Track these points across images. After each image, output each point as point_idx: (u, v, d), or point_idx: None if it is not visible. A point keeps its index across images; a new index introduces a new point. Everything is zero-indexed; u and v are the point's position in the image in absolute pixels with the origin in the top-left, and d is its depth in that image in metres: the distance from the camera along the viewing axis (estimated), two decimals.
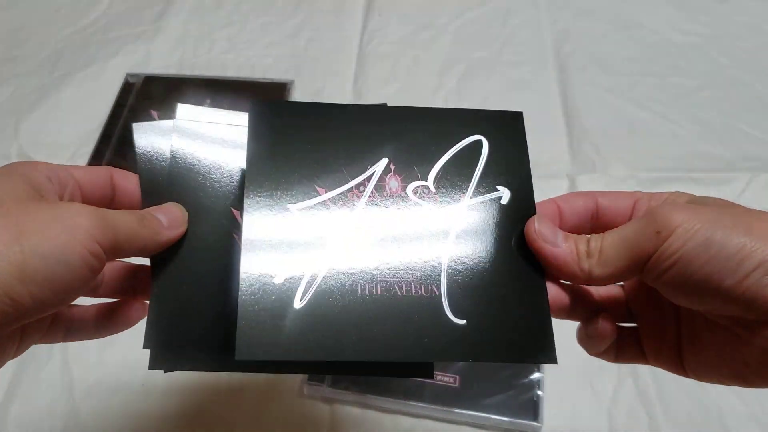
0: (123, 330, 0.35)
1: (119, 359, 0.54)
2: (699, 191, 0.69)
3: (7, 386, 0.53)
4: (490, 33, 0.82)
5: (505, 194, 0.33)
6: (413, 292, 0.30)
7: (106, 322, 0.35)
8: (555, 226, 0.31)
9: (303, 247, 0.30)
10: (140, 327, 0.32)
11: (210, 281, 0.32)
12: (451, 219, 0.32)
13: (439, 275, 0.31)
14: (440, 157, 0.34)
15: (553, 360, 0.30)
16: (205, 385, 0.52)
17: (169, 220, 0.31)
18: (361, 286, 0.30)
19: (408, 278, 0.30)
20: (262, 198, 0.31)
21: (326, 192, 0.32)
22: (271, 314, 0.29)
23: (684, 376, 0.32)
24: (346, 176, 0.32)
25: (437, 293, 0.30)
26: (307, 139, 0.33)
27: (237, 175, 0.34)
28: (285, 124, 0.33)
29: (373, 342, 0.29)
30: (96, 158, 0.66)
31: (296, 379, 0.53)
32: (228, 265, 0.32)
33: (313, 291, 0.29)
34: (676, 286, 0.27)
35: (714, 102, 0.74)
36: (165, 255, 0.32)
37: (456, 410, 0.50)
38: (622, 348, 0.34)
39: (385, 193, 0.32)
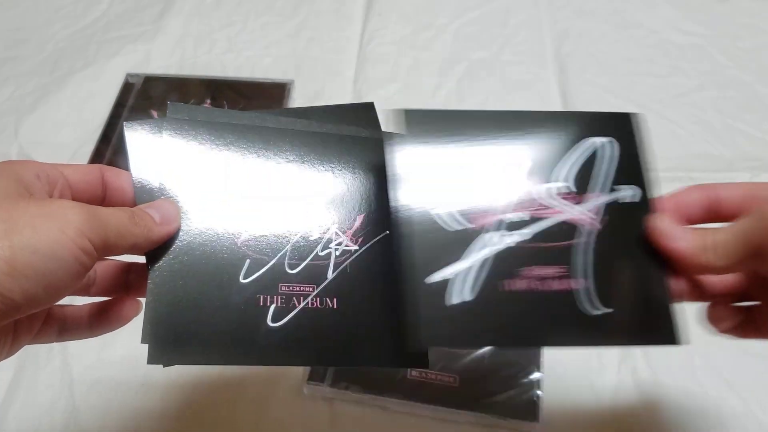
0: (117, 328, 0.35)
1: (119, 358, 0.54)
2: None
3: (7, 386, 0.53)
4: (490, 33, 0.82)
5: (634, 192, 0.36)
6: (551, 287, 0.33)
7: (100, 320, 0.35)
8: (675, 221, 0.33)
9: (460, 243, 0.33)
10: (140, 326, 0.32)
11: (209, 273, 0.33)
12: (583, 217, 0.35)
13: (579, 271, 0.34)
14: (571, 160, 0.36)
15: (679, 341, 0.33)
16: (205, 384, 0.52)
17: (161, 216, 0.32)
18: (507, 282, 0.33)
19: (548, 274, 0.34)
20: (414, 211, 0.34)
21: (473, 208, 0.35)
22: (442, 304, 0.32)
23: None
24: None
25: (575, 287, 0.33)
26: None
27: (229, 170, 0.35)
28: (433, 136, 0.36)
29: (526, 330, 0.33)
30: (96, 158, 0.66)
31: (296, 378, 0.53)
32: (228, 256, 0.33)
33: (480, 283, 0.33)
34: None
35: (714, 102, 0.74)
36: (160, 249, 0.32)
37: (456, 410, 0.50)
38: (747, 325, 0.36)
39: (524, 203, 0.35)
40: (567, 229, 0.34)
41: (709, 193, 0.34)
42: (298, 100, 0.74)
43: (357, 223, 0.36)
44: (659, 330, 0.33)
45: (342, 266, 0.35)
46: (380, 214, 0.37)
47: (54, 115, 0.73)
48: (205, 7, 0.85)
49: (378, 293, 0.35)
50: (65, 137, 0.70)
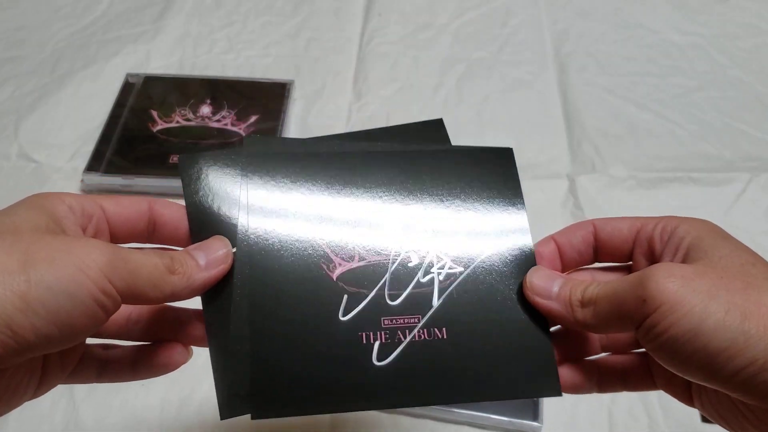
0: (162, 374, 0.33)
1: None
2: (699, 191, 0.69)
3: None
4: (490, 33, 0.82)
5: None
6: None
7: (145, 364, 0.32)
8: (552, 273, 0.31)
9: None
10: None
11: (305, 314, 0.31)
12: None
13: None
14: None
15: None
16: (205, 384, 0.52)
17: (207, 259, 0.30)
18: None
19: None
20: None
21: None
22: None
23: (694, 407, 0.31)
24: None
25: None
26: None
27: (312, 201, 0.33)
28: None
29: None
30: (96, 158, 0.66)
31: None
32: (324, 293, 0.31)
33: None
34: (669, 363, 0.26)
35: (714, 102, 0.74)
36: (243, 290, 0.30)
37: (456, 410, 0.50)
38: (631, 376, 0.33)
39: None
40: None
41: (592, 231, 0.32)
42: (298, 100, 0.74)
43: (459, 244, 0.34)
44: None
45: (447, 291, 0.32)
46: (487, 229, 0.34)
47: (54, 115, 0.73)
48: (205, 7, 0.85)
49: (490, 317, 0.32)
50: (65, 137, 0.70)
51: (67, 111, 0.73)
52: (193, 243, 0.31)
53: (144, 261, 0.27)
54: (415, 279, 0.32)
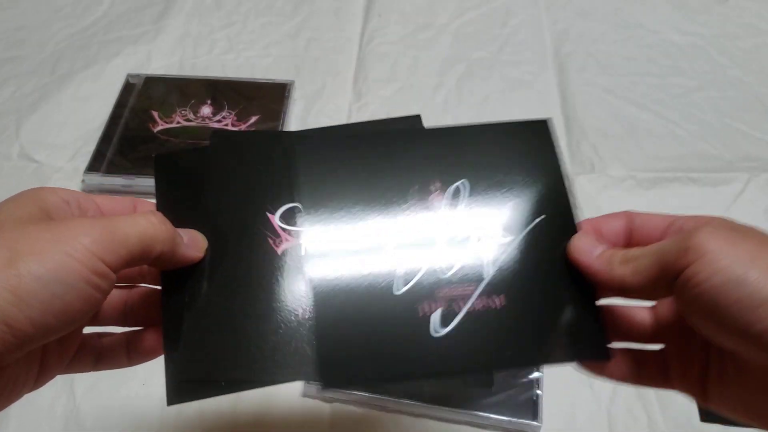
0: (153, 359, 0.33)
1: None
2: (698, 191, 0.69)
3: None
4: (490, 33, 0.82)
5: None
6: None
7: (137, 349, 0.33)
8: (596, 240, 0.32)
9: None
10: None
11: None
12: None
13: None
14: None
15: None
16: None
17: (189, 239, 0.31)
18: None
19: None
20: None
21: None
22: None
23: (707, 406, 0.31)
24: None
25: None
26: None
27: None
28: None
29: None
30: (97, 159, 0.66)
31: None
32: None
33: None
34: (703, 316, 0.26)
35: (713, 102, 0.74)
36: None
37: (456, 410, 0.50)
38: (646, 368, 0.33)
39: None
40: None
41: (630, 222, 0.33)
42: (298, 100, 0.74)
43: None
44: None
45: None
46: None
47: (55, 115, 0.73)
48: (206, 7, 0.86)
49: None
50: (66, 137, 0.70)
51: (68, 111, 0.73)
52: None
53: (133, 224, 0.27)
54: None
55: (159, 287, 0.33)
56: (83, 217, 0.30)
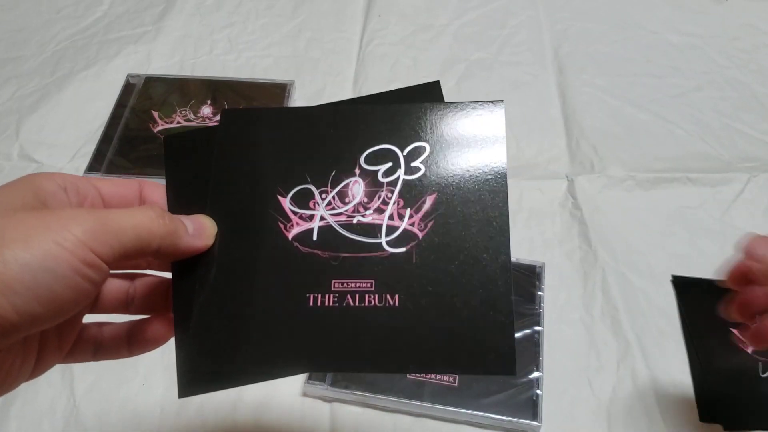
0: (153, 349, 0.33)
1: None
2: (697, 192, 0.70)
3: None
4: (489, 33, 0.82)
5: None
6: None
7: (137, 339, 0.32)
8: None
9: None
10: None
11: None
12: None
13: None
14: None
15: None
16: None
17: (195, 228, 0.30)
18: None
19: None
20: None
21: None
22: None
23: None
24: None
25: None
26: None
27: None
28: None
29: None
30: (97, 159, 0.66)
31: (296, 378, 0.53)
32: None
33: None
34: None
35: (712, 102, 0.74)
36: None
37: (455, 409, 0.50)
38: None
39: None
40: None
41: None
42: (298, 101, 0.74)
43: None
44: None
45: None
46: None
47: (55, 115, 0.73)
48: (206, 7, 0.86)
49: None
50: (66, 138, 0.70)
51: (69, 111, 0.73)
52: None
53: (129, 218, 0.26)
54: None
55: (163, 275, 0.33)
56: (78, 207, 0.29)
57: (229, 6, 0.86)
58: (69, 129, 0.71)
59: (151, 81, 0.74)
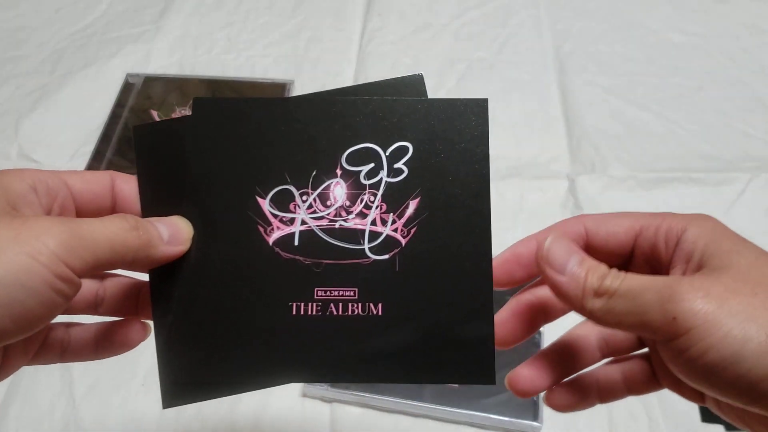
0: (122, 352, 0.32)
1: (119, 358, 0.54)
2: (699, 192, 0.69)
3: (7, 386, 0.53)
4: (490, 33, 0.82)
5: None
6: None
7: (105, 343, 0.31)
8: (573, 246, 0.27)
9: None
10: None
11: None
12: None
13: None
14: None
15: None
16: None
17: (171, 234, 0.28)
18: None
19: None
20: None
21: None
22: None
23: (704, 404, 0.30)
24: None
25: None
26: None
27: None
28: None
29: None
30: (96, 159, 0.66)
31: None
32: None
33: None
34: (701, 386, 0.24)
35: (713, 102, 0.74)
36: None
37: (456, 410, 0.50)
38: (635, 381, 0.32)
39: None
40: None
41: (583, 234, 0.29)
42: None
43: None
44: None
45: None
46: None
47: (54, 115, 0.73)
48: (205, 7, 0.85)
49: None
50: (65, 137, 0.70)
51: (68, 111, 0.73)
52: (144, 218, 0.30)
53: (102, 228, 0.25)
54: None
55: (134, 276, 0.32)
56: (49, 214, 0.28)
57: (229, 5, 0.86)
58: (68, 128, 0.71)
59: (150, 80, 0.74)
